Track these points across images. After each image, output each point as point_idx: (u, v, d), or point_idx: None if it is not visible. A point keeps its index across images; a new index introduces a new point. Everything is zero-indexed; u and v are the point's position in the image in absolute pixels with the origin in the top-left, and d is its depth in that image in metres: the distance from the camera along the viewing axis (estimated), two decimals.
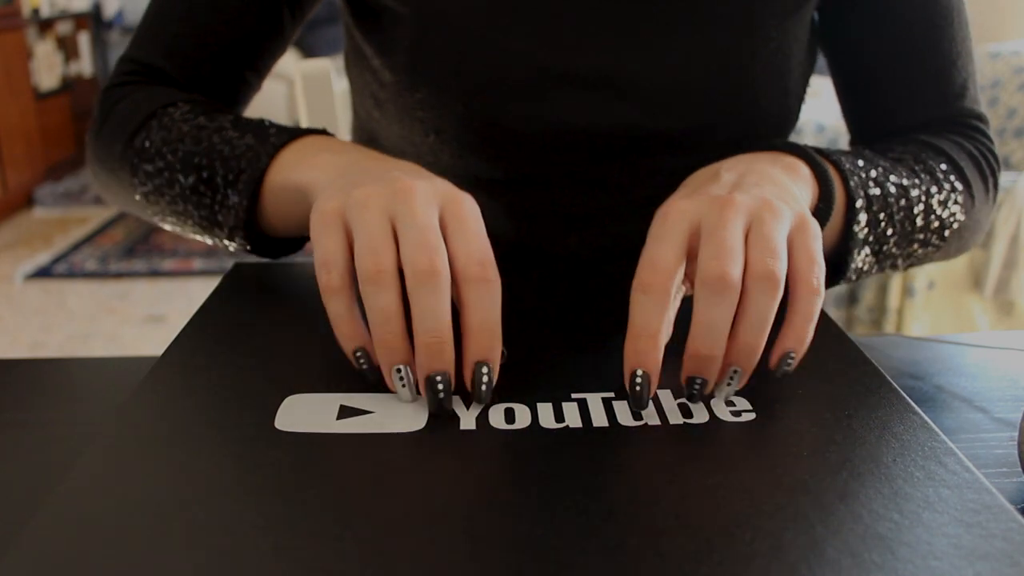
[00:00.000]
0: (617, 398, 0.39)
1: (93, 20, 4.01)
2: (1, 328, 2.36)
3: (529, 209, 0.62)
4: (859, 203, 0.50)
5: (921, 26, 0.59)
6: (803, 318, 0.39)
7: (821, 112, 1.96)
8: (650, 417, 0.37)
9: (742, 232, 0.39)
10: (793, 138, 0.64)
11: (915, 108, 0.61)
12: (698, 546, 0.29)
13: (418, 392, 0.38)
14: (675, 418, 0.37)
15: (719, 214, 0.39)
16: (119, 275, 2.73)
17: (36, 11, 3.52)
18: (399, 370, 0.37)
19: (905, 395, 0.39)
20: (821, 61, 0.65)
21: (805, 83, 0.63)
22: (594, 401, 0.38)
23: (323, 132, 0.53)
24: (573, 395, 0.39)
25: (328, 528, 0.30)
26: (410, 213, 0.39)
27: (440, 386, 0.37)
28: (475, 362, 0.38)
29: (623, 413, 0.38)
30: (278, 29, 0.62)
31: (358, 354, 0.39)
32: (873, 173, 0.53)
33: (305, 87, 0.87)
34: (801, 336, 0.39)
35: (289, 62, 3.48)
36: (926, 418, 0.37)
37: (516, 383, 0.40)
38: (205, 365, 0.42)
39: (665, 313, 0.38)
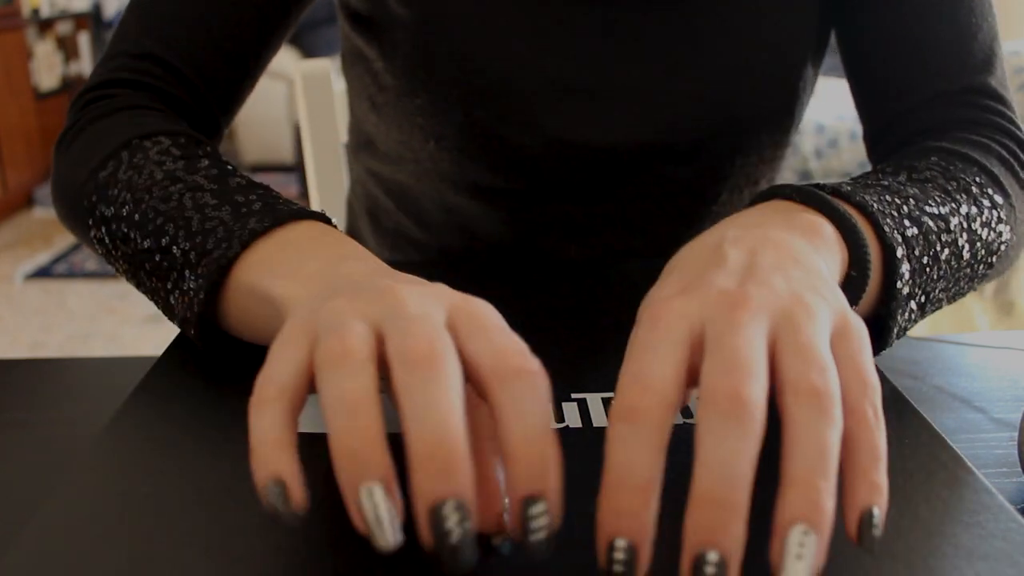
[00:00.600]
0: None
1: (93, 20, 4.00)
2: (1, 328, 2.36)
3: (529, 217, 0.62)
4: (899, 252, 0.41)
5: None
6: (871, 458, 0.27)
7: (821, 112, 1.96)
8: None
9: (763, 340, 0.28)
10: (793, 139, 0.64)
11: (931, 78, 0.56)
12: None
13: (402, 530, 0.25)
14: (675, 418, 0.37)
15: (728, 316, 0.28)
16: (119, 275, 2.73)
17: (36, 11, 3.52)
18: (371, 492, 0.25)
19: (905, 395, 0.39)
20: (825, 64, 0.65)
21: (810, 86, 0.62)
22: (594, 401, 0.38)
23: (319, 216, 0.42)
24: (573, 395, 0.39)
25: (327, 528, 0.30)
26: (398, 310, 0.29)
27: (451, 522, 0.24)
28: (523, 497, 0.25)
29: None
30: (285, 12, 0.58)
31: (271, 485, 0.26)
32: (905, 208, 0.43)
33: (305, 87, 0.87)
34: (876, 483, 0.27)
35: (289, 62, 3.49)
36: (926, 418, 0.37)
37: None
38: (205, 365, 0.42)
39: (659, 452, 0.26)
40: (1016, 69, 1.88)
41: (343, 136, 0.88)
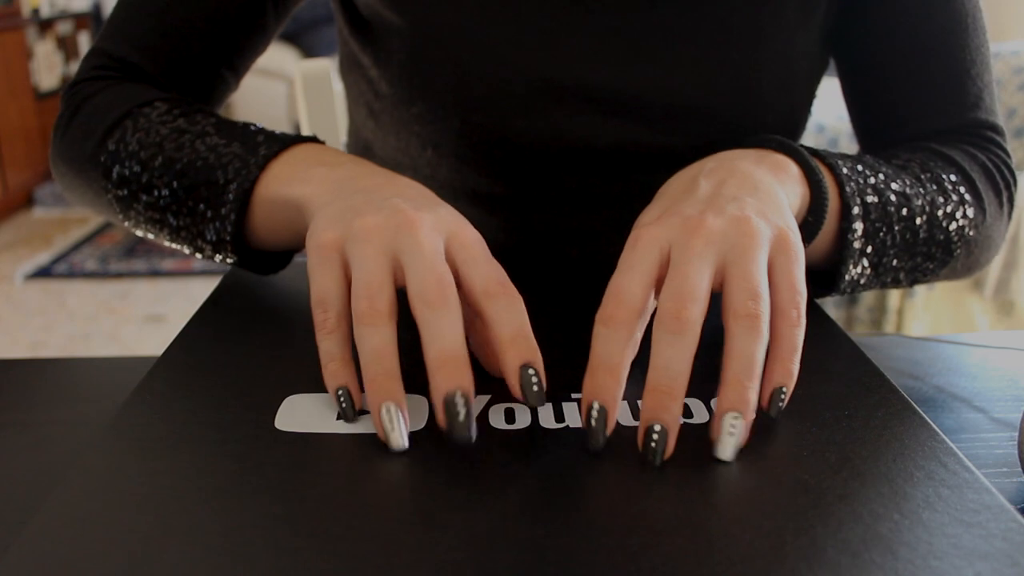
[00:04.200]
0: None
1: (93, 20, 4.01)
2: (1, 328, 2.36)
3: (529, 224, 0.62)
4: (855, 210, 0.47)
5: (933, 34, 0.57)
6: (787, 352, 0.37)
7: (821, 112, 1.96)
8: None
9: (710, 267, 0.37)
10: None
11: (926, 117, 0.59)
12: (698, 546, 0.29)
13: (409, 437, 0.35)
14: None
15: (687, 242, 0.37)
16: (119, 275, 2.73)
17: (36, 11, 3.52)
18: (389, 410, 0.34)
19: (905, 395, 0.39)
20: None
21: (812, 96, 0.62)
22: None
23: (313, 139, 0.51)
24: (573, 395, 0.39)
25: (328, 528, 0.30)
26: (415, 245, 0.37)
27: (459, 403, 0.34)
28: (519, 366, 0.35)
29: (622, 413, 0.38)
30: (260, 25, 0.59)
31: (340, 392, 0.37)
32: (872, 180, 0.50)
33: (305, 87, 0.87)
34: (789, 370, 0.37)
35: (289, 62, 3.49)
36: (926, 418, 0.37)
37: None
38: (205, 365, 0.42)
39: (627, 346, 0.36)
40: (1016, 69, 1.89)
41: (343, 136, 0.88)
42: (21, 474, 0.39)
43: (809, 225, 0.46)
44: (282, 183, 0.47)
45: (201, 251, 0.51)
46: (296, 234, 0.48)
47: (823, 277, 0.51)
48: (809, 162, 0.46)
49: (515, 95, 0.56)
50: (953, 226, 0.53)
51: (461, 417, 0.33)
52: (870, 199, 0.49)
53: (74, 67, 3.86)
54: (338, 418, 0.37)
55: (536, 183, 0.60)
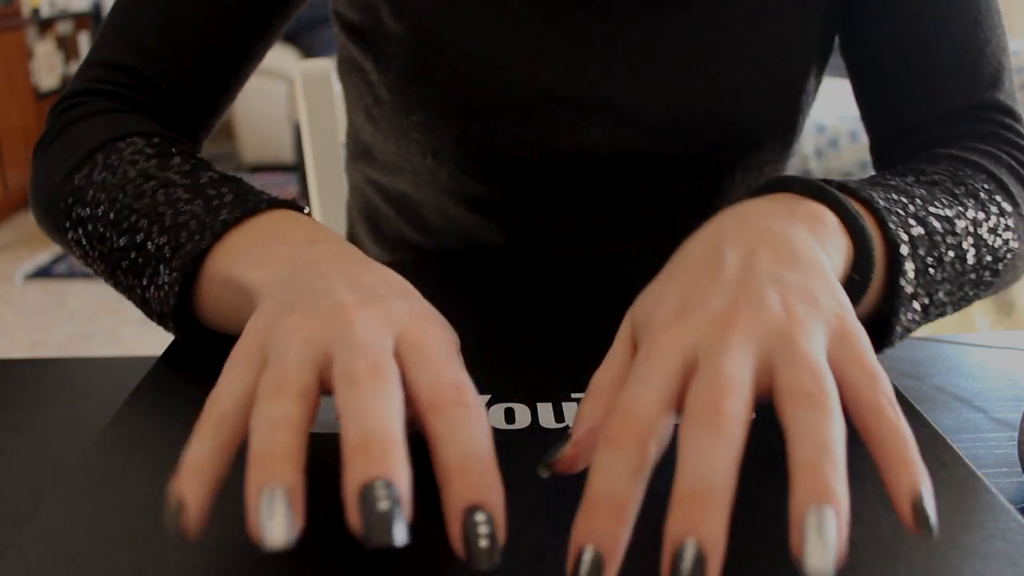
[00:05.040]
0: None
1: (93, 20, 4.00)
2: (1, 328, 2.36)
3: (528, 229, 0.62)
4: (904, 249, 0.40)
5: (946, 11, 0.54)
6: (900, 444, 0.27)
7: (821, 112, 1.96)
8: None
9: (749, 359, 0.29)
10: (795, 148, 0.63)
11: (939, 96, 0.55)
12: None
13: (294, 528, 0.25)
14: (675, 417, 0.37)
15: (718, 340, 0.29)
16: None
17: (36, 11, 3.52)
18: (271, 495, 0.25)
19: (905, 395, 0.39)
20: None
21: (812, 97, 0.61)
22: None
23: (291, 204, 0.43)
24: (573, 395, 0.39)
25: (328, 528, 0.30)
26: (347, 336, 0.30)
27: (379, 494, 0.24)
28: (465, 508, 0.26)
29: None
30: (265, 27, 0.56)
31: (174, 501, 0.27)
32: (911, 207, 0.43)
33: (305, 87, 0.87)
34: (913, 465, 0.27)
35: (289, 62, 3.49)
36: (926, 418, 0.37)
37: (516, 383, 0.40)
38: (205, 365, 0.42)
39: (637, 476, 0.27)
40: (1016, 69, 1.88)
41: (343, 136, 0.88)
42: (21, 474, 0.39)
43: (855, 284, 0.39)
44: (235, 259, 0.39)
45: (150, 318, 0.44)
46: (244, 323, 0.34)
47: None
48: (845, 206, 0.39)
49: (514, 104, 0.56)
50: (998, 242, 0.47)
51: (381, 507, 0.24)
52: (915, 231, 0.42)
53: (74, 67, 3.86)
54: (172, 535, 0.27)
55: (536, 190, 0.60)
